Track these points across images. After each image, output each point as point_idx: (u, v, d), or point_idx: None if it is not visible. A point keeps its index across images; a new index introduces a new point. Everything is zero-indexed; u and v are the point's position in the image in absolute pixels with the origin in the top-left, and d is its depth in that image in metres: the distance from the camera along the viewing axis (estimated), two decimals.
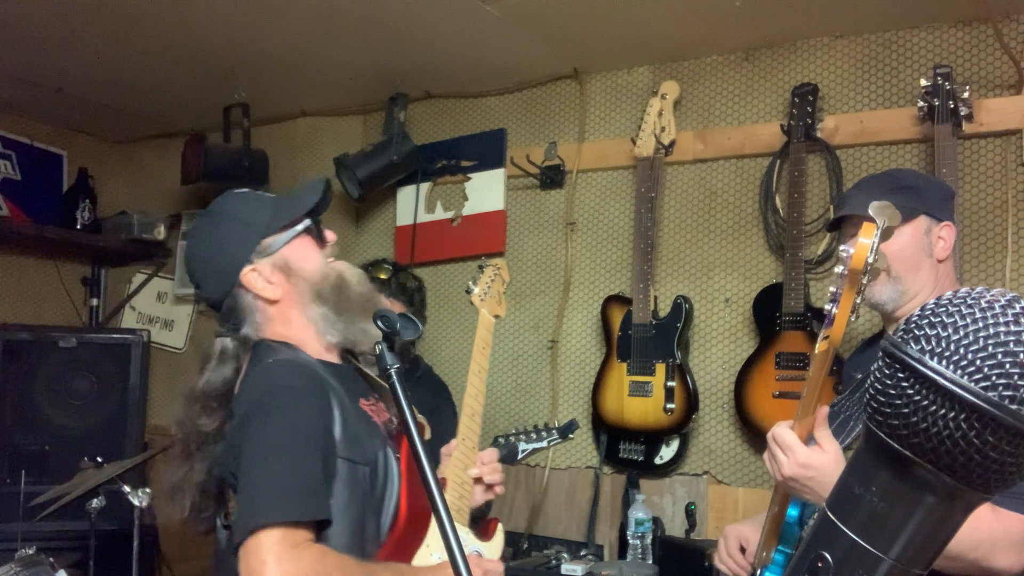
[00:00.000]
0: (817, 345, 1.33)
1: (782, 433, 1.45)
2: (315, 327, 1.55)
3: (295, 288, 1.54)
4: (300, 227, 1.57)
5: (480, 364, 1.89)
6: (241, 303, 1.55)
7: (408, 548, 1.55)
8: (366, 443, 1.49)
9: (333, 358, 1.59)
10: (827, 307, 1.31)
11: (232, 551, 1.37)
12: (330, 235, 1.62)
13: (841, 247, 1.21)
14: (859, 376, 1.50)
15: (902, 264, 1.67)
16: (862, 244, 1.16)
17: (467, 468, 1.76)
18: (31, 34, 2.88)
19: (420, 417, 1.73)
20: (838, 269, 1.23)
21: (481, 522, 1.79)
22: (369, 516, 1.47)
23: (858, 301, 1.29)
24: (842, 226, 1.82)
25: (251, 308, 1.55)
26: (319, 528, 1.34)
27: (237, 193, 1.64)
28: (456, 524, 1.59)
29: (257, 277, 1.53)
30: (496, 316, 1.96)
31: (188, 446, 1.53)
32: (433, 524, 1.58)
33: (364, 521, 1.46)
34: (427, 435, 1.72)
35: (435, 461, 1.78)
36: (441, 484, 1.63)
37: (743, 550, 1.80)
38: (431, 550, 1.58)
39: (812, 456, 1.41)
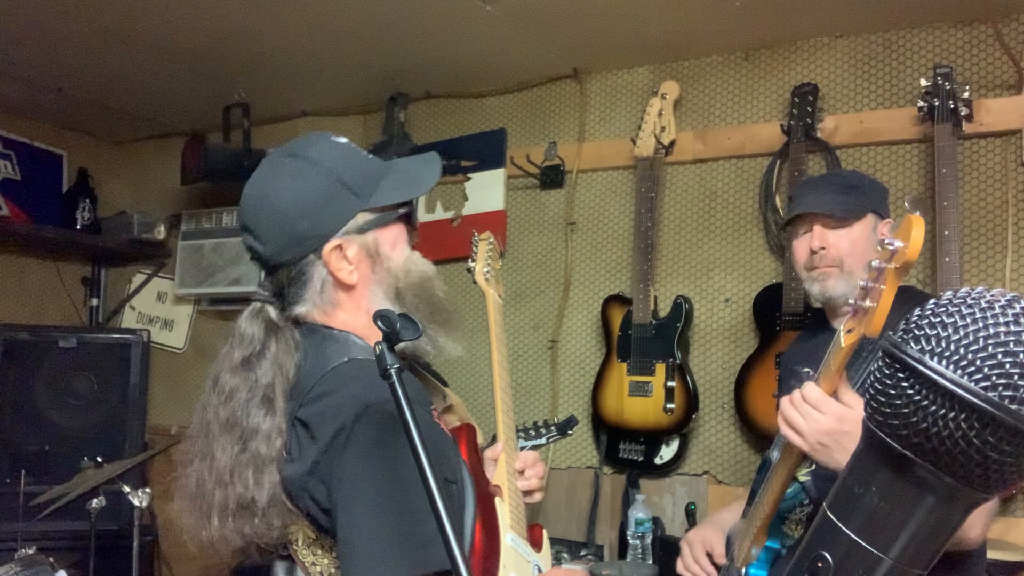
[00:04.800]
0: (844, 338, 1.29)
1: (811, 391, 1.39)
2: None
3: (375, 277, 1.33)
4: (404, 210, 1.35)
5: (502, 352, 1.68)
6: (310, 277, 1.31)
7: (491, 572, 1.38)
8: (451, 458, 1.30)
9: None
10: (852, 300, 1.28)
11: None
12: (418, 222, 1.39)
13: (886, 240, 1.18)
14: (805, 370, 1.48)
15: (855, 260, 1.72)
16: (917, 237, 1.14)
17: (514, 474, 1.57)
18: (31, 34, 2.88)
19: (469, 417, 1.55)
20: (876, 263, 1.20)
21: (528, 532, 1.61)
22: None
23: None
24: (793, 223, 1.85)
25: (319, 287, 1.31)
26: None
27: (338, 142, 1.37)
28: (517, 537, 1.48)
29: (340, 256, 1.30)
30: (500, 296, 1.78)
31: (226, 446, 1.25)
32: (504, 542, 1.45)
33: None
34: (480, 438, 1.55)
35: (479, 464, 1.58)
36: (496, 493, 1.49)
37: (709, 556, 1.81)
38: (508, 570, 1.42)
39: (847, 411, 1.36)
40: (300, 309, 1.33)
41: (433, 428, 1.29)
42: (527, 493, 1.61)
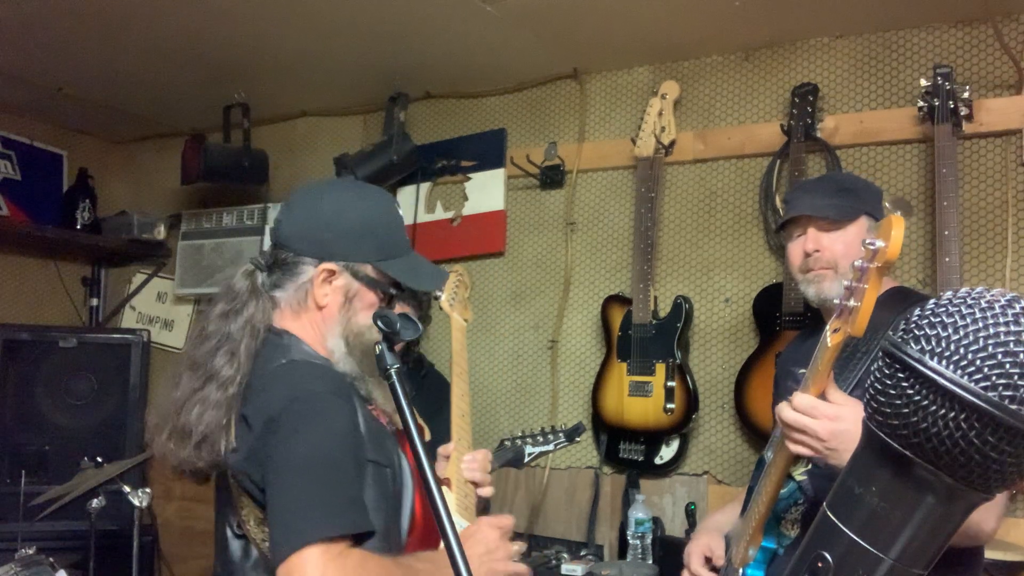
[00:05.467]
0: (829, 337, 1.31)
1: (800, 399, 1.40)
2: (330, 351, 1.50)
3: (339, 316, 1.50)
4: (393, 291, 1.54)
5: (461, 366, 1.92)
6: (298, 273, 1.50)
7: (428, 549, 1.54)
8: (386, 444, 1.47)
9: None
10: (837, 300, 1.29)
11: (262, 569, 1.35)
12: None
13: (867, 240, 1.20)
14: (801, 371, 1.50)
15: (848, 261, 1.71)
16: (896, 237, 1.16)
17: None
18: (31, 34, 2.88)
19: (419, 419, 1.73)
20: (859, 263, 1.22)
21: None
22: (391, 519, 1.45)
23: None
24: (787, 226, 1.85)
25: (303, 286, 1.50)
26: (360, 539, 1.31)
27: (397, 209, 1.60)
28: (463, 521, 1.63)
29: (327, 279, 1.49)
30: (465, 320, 2.02)
31: (189, 381, 1.46)
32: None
33: (389, 524, 1.43)
34: (427, 436, 1.73)
35: (433, 460, 1.78)
36: (445, 484, 1.66)
37: (708, 560, 1.81)
38: None
39: (839, 409, 1.38)
40: (277, 293, 1.51)
41: (374, 421, 1.48)
42: (476, 485, 1.78)
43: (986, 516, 1.46)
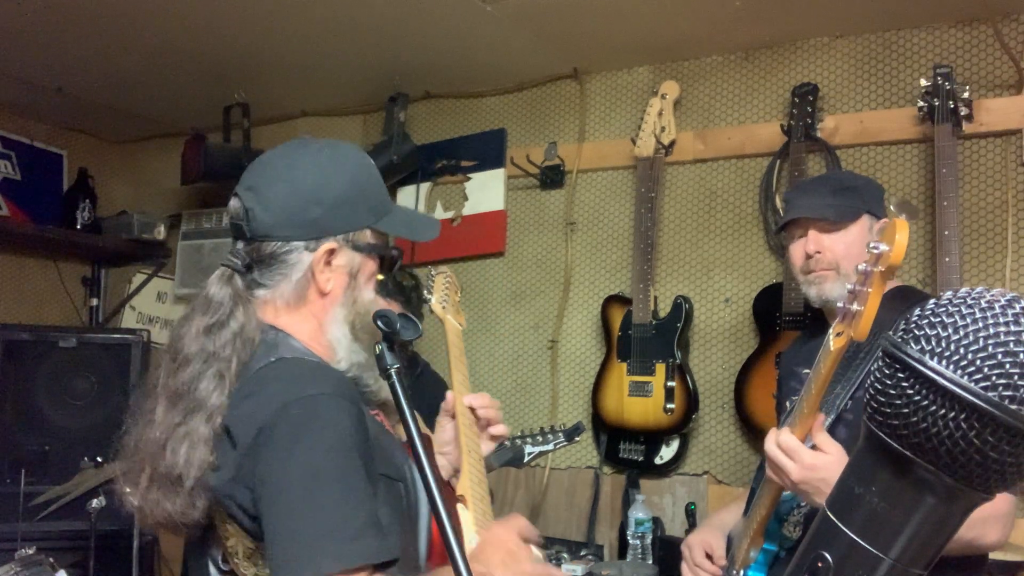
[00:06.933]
0: (832, 341, 1.31)
1: (785, 439, 1.44)
2: (330, 345, 1.29)
3: (343, 299, 1.29)
4: (396, 252, 1.35)
5: (463, 373, 1.76)
6: (291, 265, 1.26)
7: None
8: (395, 456, 1.27)
9: None
10: (840, 304, 1.29)
11: None
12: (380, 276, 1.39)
13: (871, 244, 1.20)
14: (804, 371, 1.50)
15: (851, 262, 1.71)
16: (901, 241, 1.16)
17: (481, 482, 1.59)
18: (31, 34, 2.88)
19: (425, 428, 1.64)
20: (863, 267, 1.22)
21: None
22: (408, 541, 1.24)
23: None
24: (787, 228, 1.84)
25: (296, 279, 1.26)
26: (382, 567, 1.10)
27: (370, 159, 1.36)
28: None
29: (328, 260, 1.26)
30: (459, 324, 1.85)
31: (168, 414, 1.21)
32: (470, 546, 1.45)
33: (406, 546, 1.22)
34: (436, 446, 1.60)
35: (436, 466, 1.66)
36: (462, 501, 1.51)
37: (709, 558, 1.81)
38: None
39: (818, 457, 1.41)
40: (262, 292, 1.28)
41: (380, 428, 1.29)
42: (490, 422, 1.60)
43: (987, 529, 1.47)
